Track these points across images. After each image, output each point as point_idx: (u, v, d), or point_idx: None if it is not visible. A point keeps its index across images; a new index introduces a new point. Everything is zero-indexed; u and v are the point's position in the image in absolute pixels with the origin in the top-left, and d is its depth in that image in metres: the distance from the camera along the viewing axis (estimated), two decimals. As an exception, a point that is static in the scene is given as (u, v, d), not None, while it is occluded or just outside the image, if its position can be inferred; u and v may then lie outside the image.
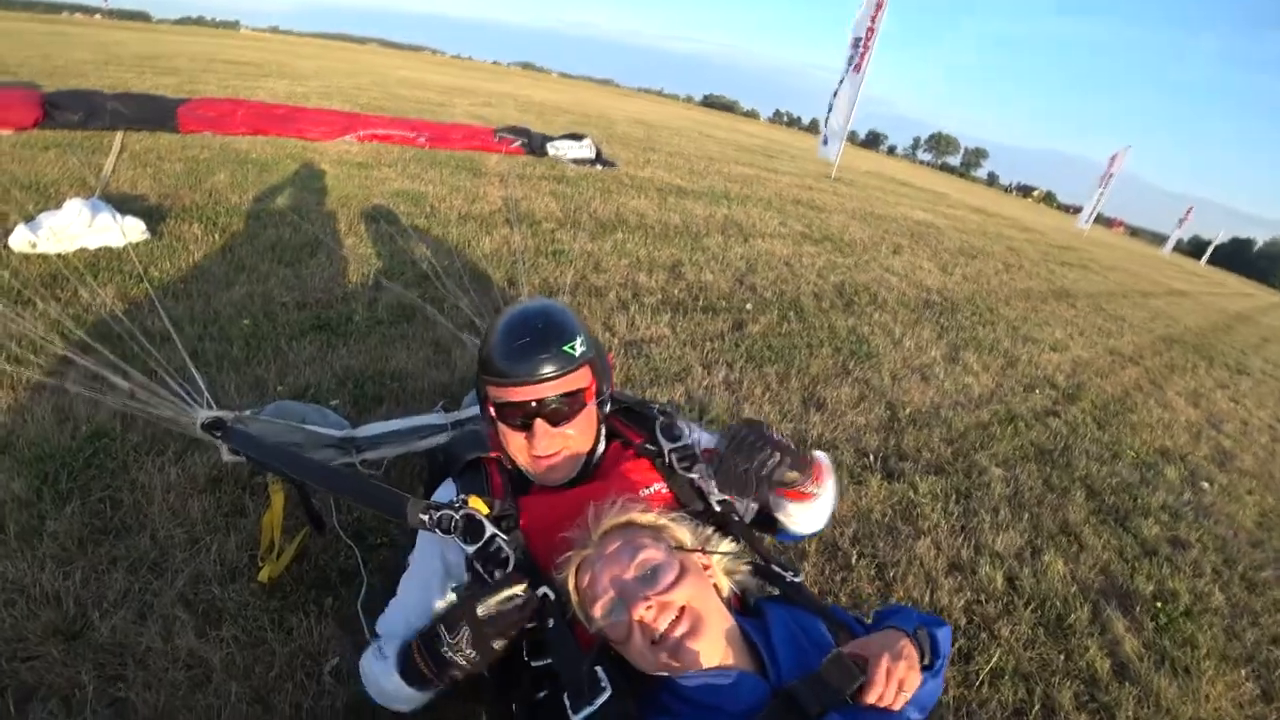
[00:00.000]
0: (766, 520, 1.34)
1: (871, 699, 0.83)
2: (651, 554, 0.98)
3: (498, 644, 0.96)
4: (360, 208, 4.67)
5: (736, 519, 1.23)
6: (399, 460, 1.98)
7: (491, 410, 1.20)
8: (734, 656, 0.93)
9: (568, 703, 0.90)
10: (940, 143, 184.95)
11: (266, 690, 1.41)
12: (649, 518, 1.07)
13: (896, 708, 0.83)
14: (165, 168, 4.69)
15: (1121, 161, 25.90)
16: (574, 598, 1.01)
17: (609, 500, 1.09)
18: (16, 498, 1.70)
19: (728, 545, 1.12)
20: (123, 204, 3.64)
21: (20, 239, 2.94)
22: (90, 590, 1.52)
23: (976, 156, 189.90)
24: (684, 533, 1.06)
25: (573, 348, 1.16)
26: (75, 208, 3.07)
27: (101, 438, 1.94)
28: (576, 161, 8.05)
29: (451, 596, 1.14)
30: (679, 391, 3.05)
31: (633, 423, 1.36)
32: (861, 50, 12.71)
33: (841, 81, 13.29)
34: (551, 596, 1.01)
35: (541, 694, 0.99)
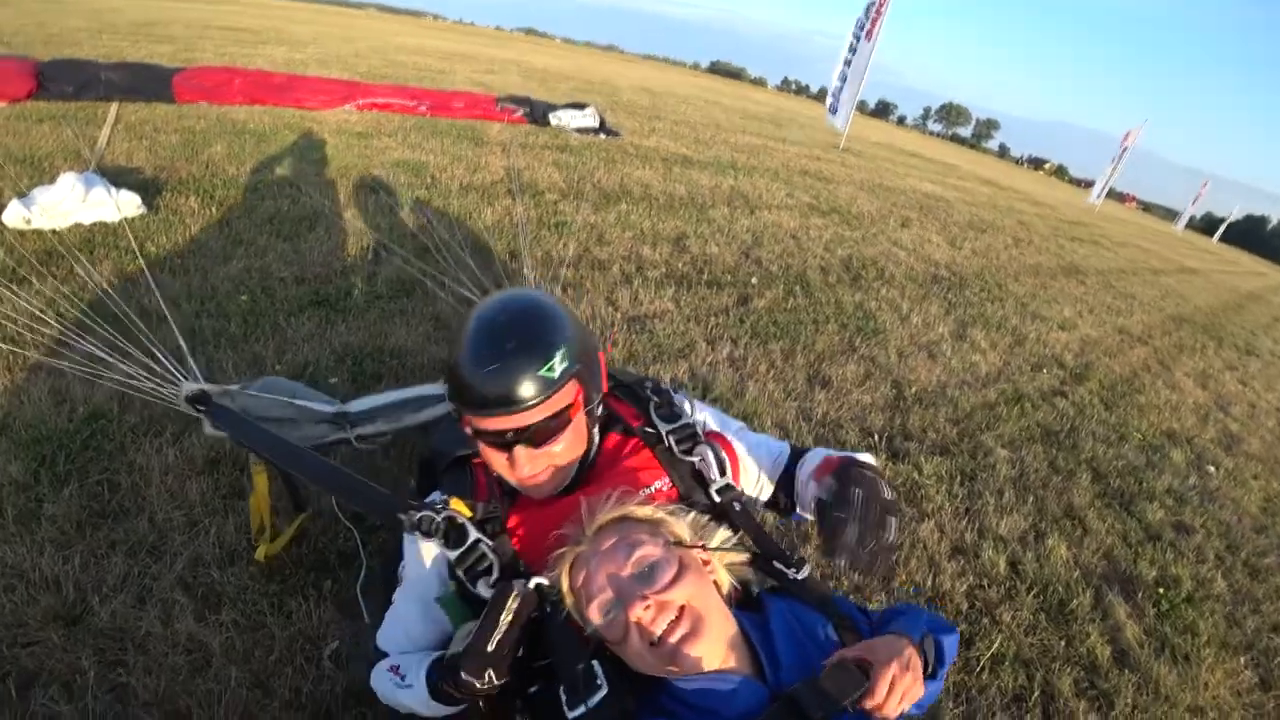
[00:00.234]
0: (774, 501, 1.30)
1: (870, 707, 0.81)
2: (649, 551, 0.94)
3: (512, 654, 0.93)
4: (360, 179, 4.60)
5: (739, 508, 1.17)
6: (399, 440, 1.95)
7: (467, 429, 1.07)
8: (734, 659, 0.90)
9: (563, 698, 0.88)
10: (951, 113, 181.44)
11: (266, 674, 1.42)
12: (646, 511, 1.02)
13: (893, 718, 0.81)
14: (161, 139, 4.61)
15: (1137, 136, 25.30)
16: (568, 597, 0.97)
17: (604, 494, 1.05)
18: (14, 481, 1.69)
19: (727, 538, 1.08)
20: (118, 177, 3.58)
21: (14, 215, 2.89)
22: (89, 574, 1.51)
23: (988, 128, 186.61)
24: (683, 527, 1.02)
25: (551, 369, 0.99)
26: (69, 182, 3.01)
27: (99, 419, 1.92)
28: (580, 131, 7.90)
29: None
30: (682, 368, 3.02)
31: (630, 401, 1.27)
32: (874, 15, 12.36)
33: (854, 50, 12.95)
34: (546, 584, 0.98)
35: (534, 689, 0.97)
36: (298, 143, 5.18)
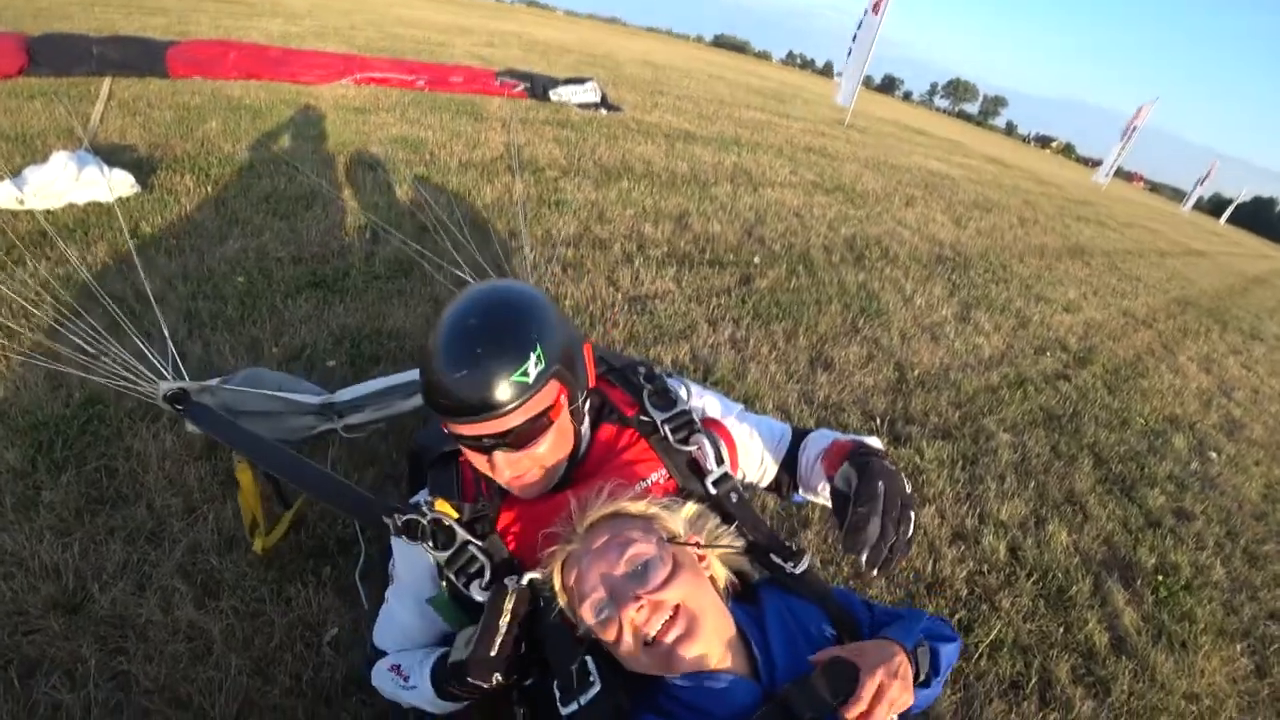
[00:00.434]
0: (777, 484, 1.28)
1: (852, 715, 0.79)
2: (642, 548, 0.92)
3: (515, 652, 0.93)
4: (357, 155, 4.53)
5: (735, 500, 1.13)
6: (393, 429, 1.94)
7: (446, 429, 1.01)
8: (729, 658, 0.89)
9: (557, 695, 0.87)
10: (958, 89, 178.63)
11: (266, 662, 1.42)
12: (639, 507, 0.99)
13: None
14: (155, 115, 4.53)
15: (1148, 114, 24.83)
16: (561, 596, 0.95)
17: (595, 489, 1.02)
18: (11, 468, 1.68)
19: (724, 531, 1.05)
20: (111, 155, 3.52)
21: (6, 195, 2.84)
22: (89, 562, 1.51)
23: (995, 104, 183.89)
24: (677, 522, 1.00)
25: (525, 374, 0.92)
26: (61, 161, 2.96)
27: (95, 404, 1.91)
28: (582, 106, 7.77)
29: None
30: (684, 350, 3.00)
31: (624, 387, 1.21)
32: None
33: (860, 25, 12.70)
34: (539, 578, 0.96)
35: (528, 681, 0.97)
36: (294, 118, 5.09)
